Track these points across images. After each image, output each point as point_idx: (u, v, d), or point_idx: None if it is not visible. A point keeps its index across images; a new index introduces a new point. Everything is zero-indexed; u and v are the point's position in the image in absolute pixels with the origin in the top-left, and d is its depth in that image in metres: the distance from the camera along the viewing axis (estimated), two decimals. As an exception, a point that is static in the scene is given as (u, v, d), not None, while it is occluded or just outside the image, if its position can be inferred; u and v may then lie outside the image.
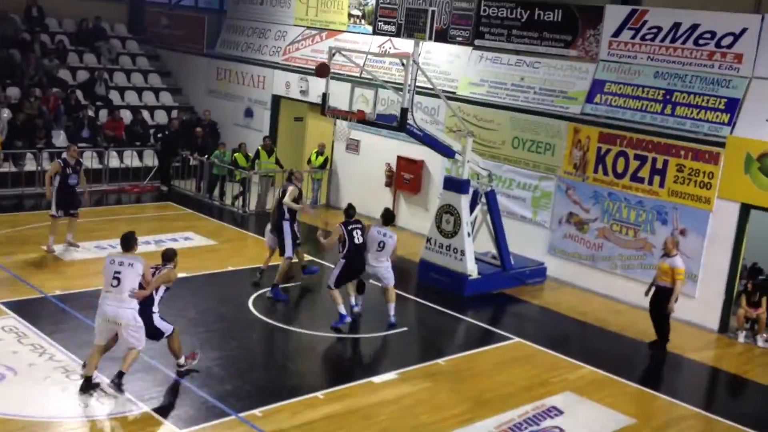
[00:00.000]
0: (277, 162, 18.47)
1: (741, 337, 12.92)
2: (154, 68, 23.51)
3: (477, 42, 16.79)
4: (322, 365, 10.92)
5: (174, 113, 21.67)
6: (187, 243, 15.13)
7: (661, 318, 12.20)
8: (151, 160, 20.02)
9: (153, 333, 9.43)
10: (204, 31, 22.65)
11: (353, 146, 18.74)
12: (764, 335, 12.87)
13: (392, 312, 12.10)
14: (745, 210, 13.01)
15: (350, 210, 11.96)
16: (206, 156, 18.94)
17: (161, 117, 21.76)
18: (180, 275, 13.14)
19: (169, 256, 9.77)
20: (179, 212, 17.70)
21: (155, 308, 9.42)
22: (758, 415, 10.49)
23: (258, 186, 18.48)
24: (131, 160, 19.65)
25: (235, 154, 18.62)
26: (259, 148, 18.46)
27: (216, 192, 18.96)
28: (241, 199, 18.38)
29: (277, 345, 11.47)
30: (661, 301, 12.10)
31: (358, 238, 11.71)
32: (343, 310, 11.69)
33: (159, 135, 20.24)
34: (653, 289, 12.29)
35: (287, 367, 10.59)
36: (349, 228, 11.69)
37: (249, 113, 21.19)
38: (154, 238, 15.07)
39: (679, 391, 10.98)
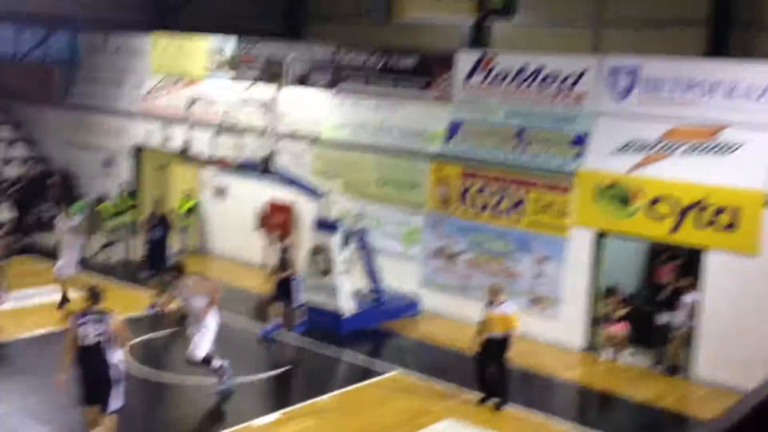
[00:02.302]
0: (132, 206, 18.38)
1: (605, 355, 13.72)
2: (4, 120, 22.47)
3: (338, 86, 17.25)
4: (197, 414, 10.68)
5: (30, 164, 20.84)
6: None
7: (498, 371, 11.30)
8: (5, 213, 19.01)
9: None
10: (56, 83, 21.95)
11: (221, 192, 18.63)
12: (625, 351, 13.69)
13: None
14: (600, 236, 13.96)
15: None
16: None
17: (15, 170, 20.80)
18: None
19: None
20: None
21: None
22: (625, 426, 11.37)
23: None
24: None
25: (101, 206, 18.20)
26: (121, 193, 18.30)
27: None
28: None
29: (148, 396, 11.12)
30: (496, 353, 11.17)
31: None
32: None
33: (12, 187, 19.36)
34: (481, 342, 11.26)
35: (160, 418, 10.30)
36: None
37: (108, 163, 20.63)
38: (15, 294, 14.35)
39: (553, 408, 11.53)
